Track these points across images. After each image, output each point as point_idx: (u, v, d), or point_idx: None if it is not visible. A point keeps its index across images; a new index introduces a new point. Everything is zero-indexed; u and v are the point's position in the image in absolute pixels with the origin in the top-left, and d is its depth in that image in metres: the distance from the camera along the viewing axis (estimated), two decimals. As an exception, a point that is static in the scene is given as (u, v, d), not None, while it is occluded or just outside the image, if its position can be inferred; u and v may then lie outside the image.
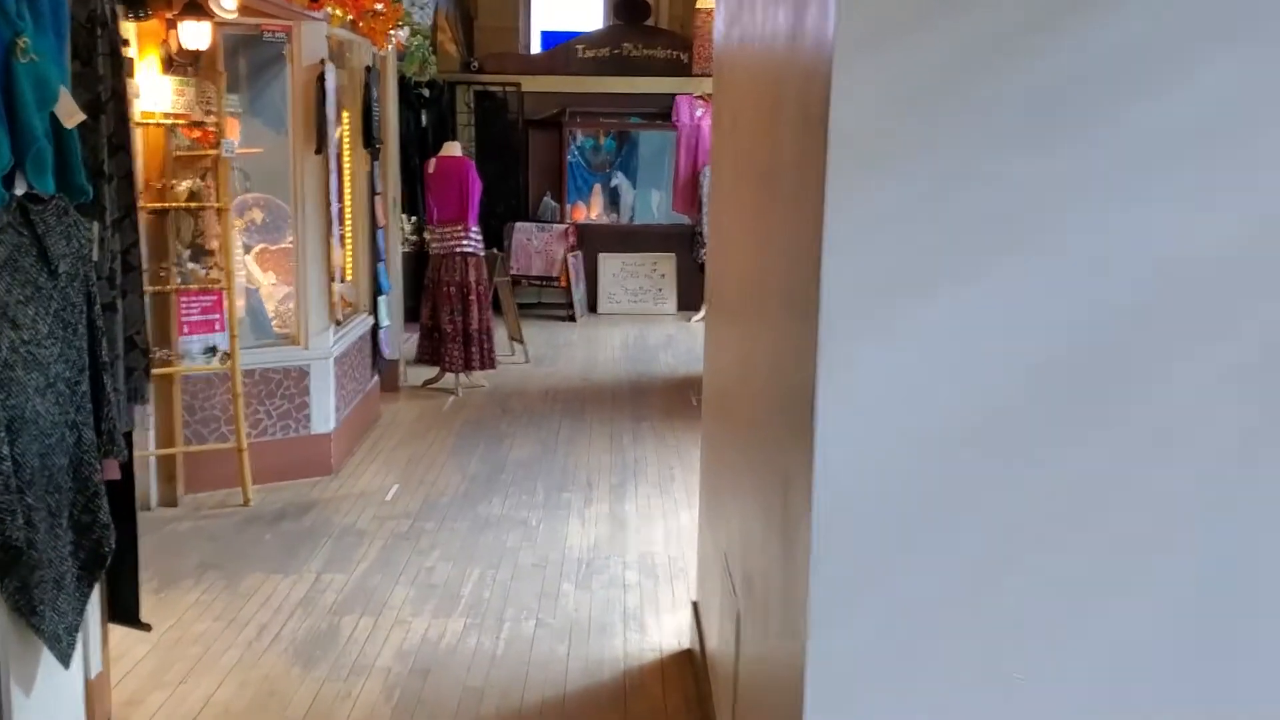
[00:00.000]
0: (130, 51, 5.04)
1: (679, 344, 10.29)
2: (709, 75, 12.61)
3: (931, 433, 1.78)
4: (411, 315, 8.63)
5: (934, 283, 1.77)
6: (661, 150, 12.26)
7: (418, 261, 9.27)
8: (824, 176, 1.75)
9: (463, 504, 5.72)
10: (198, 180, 5.49)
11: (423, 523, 5.43)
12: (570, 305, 11.51)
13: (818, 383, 1.78)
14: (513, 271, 11.65)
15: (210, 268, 5.59)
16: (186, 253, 5.57)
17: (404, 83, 8.94)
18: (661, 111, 11.84)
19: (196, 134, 5.45)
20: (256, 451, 5.70)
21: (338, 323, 6.19)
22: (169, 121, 5.28)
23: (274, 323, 6.20)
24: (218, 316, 5.54)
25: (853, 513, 1.81)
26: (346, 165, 6.95)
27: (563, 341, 10.35)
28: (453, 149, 7.99)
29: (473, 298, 7.94)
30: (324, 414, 6.04)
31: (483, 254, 8.05)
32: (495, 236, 11.82)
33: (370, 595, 4.58)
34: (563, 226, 11.62)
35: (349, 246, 7.02)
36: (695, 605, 4.19)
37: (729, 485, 3.27)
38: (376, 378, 7.21)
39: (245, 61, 6.40)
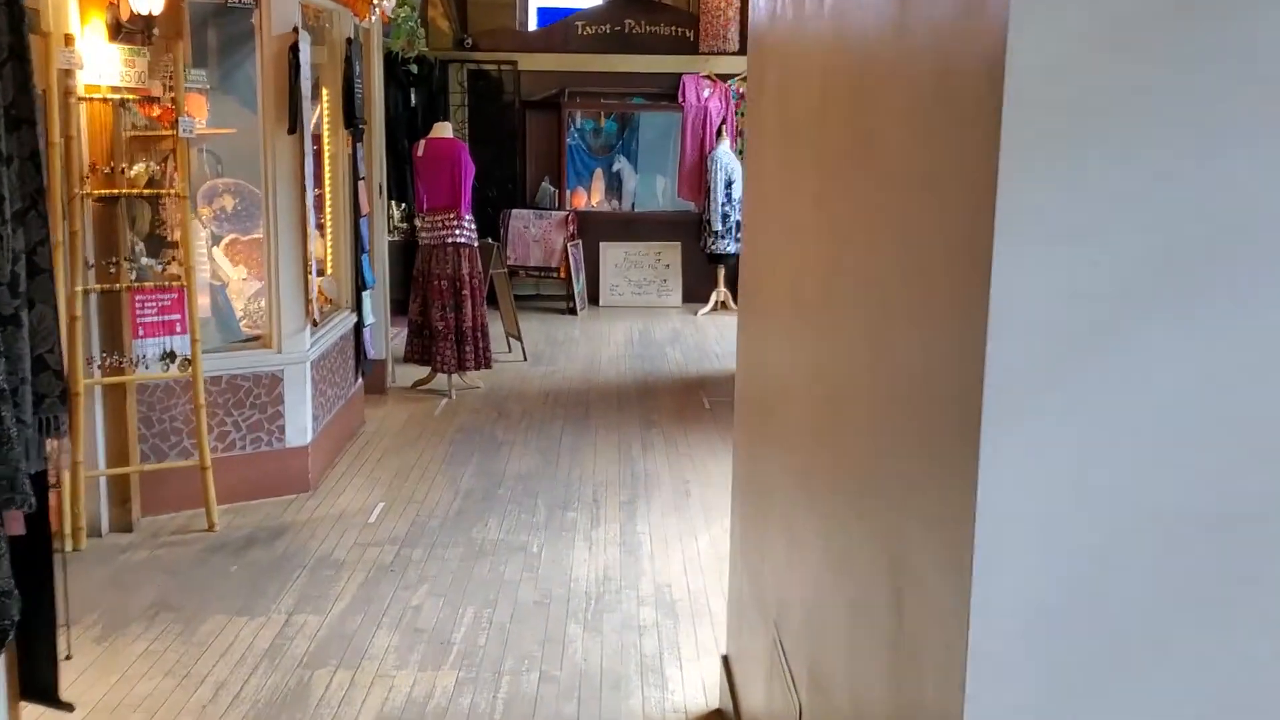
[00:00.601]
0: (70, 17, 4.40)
1: (686, 339, 9.67)
2: (716, 53, 12.17)
3: (1168, 513, 1.18)
4: (399, 309, 7.99)
5: (1151, 304, 1.16)
6: (666, 133, 11.62)
7: (406, 251, 8.65)
8: (994, 168, 1.15)
9: (455, 526, 5.10)
10: (154, 164, 4.85)
11: (409, 550, 4.81)
12: (570, 298, 10.89)
13: (984, 437, 1.17)
14: (509, 262, 11.03)
15: (169, 262, 4.96)
16: (141, 246, 4.93)
17: (391, 59, 8.31)
18: (666, 92, 11.20)
19: (155, 112, 4.81)
20: (223, 468, 5.08)
21: (315, 323, 5.56)
22: (118, 97, 4.64)
23: (243, 323, 5.57)
24: (178, 317, 4.91)
25: (1037, 642, 1.20)
26: (327, 148, 6.33)
27: (563, 337, 9.73)
28: (444, 130, 7.36)
29: (466, 292, 7.31)
30: (299, 425, 5.41)
31: (476, 244, 7.43)
32: (490, 225, 11.19)
33: (348, 642, 3.97)
34: (562, 214, 10.98)
35: (329, 237, 6.40)
36: (726, 660, 3.58)
37: (780, 531, 2.65)
38: (360, 381, 6.59)
39: (216, 33, 5.77)
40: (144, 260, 4.93)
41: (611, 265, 11.37)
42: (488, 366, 7.56)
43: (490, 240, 8.62)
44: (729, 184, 10.65)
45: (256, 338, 5.45)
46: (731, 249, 10.76)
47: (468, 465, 6.01)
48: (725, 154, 10.69)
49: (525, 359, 8.69)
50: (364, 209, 6.54)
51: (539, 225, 10.97)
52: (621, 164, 11.60)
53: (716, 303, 11.01)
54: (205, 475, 4.94)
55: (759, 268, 3.28)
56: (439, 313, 7.28)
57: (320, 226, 6.16)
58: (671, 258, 11.37)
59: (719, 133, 10.87)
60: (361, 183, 6.49)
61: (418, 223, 7.46)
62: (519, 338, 8.75)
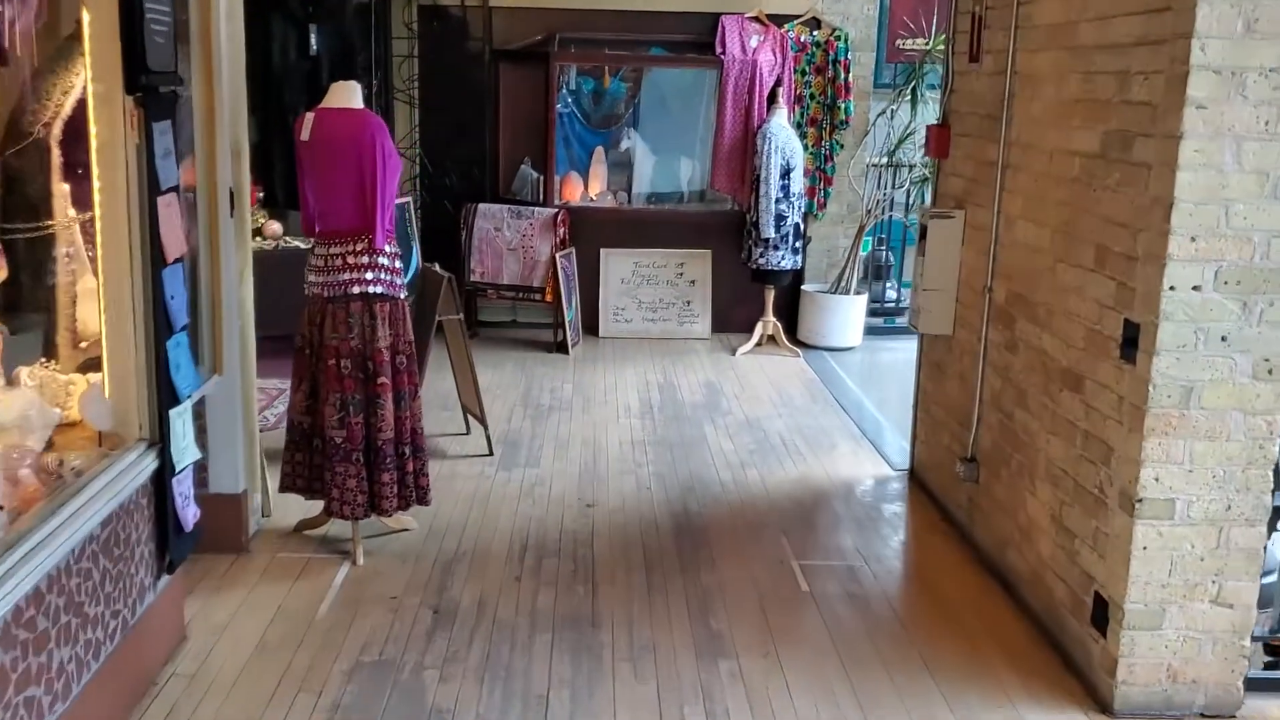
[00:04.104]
0: None
1: (731, 402, 6.59)
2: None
3: None
4: (276, 349, 4.69)
5: None
6: (696, 97, 8.45)
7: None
8: None
9: None
10: None
11: None
12: (560, 328, 7.78)
13: None
14: (475, 277, 7.89)
15: None
16: None
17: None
18: (697, 39, 8.02)
19: None
20: None
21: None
22: None
23: None
24: None
25: None
26: (93, 131, 3.20)
27: (549, 400, 6.62)
28: (345, 96, 4.19)
29: (384, 379, 4.21)
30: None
31: (404, 295, 4.31)
32: (444, 230, 8.02)
33: None
34: (548, 211, 7.84)
35: (102, 306, 3.28)
36: None
37: None
38: (165, 580, 3.47)
39: None
40: None
41: (616, 281, 8.25)
42: (422, 502, 4.46)
43: (438, 269, 5.48)
44: (787, 170, 7.52)
45: None
46: (787, 263, 7.65)
47: (360, 785, 2.95)
48: (781, 128, 7.55)
49: (490, 451, 5.60)
50: (173, 249, 3.39)
51: (516, 227, 7.82)
52: (632, 141, 8.42)
53: (763, 337, 7.92)
54: None
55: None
56: (336, 413, 4.17)
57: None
58: (698, 271, 8.26)
59: (772, 97, 7.73)
60: (166, 197, 3.35)
61: (310, 257, 4.32)
62: (481, 419, 5.64)
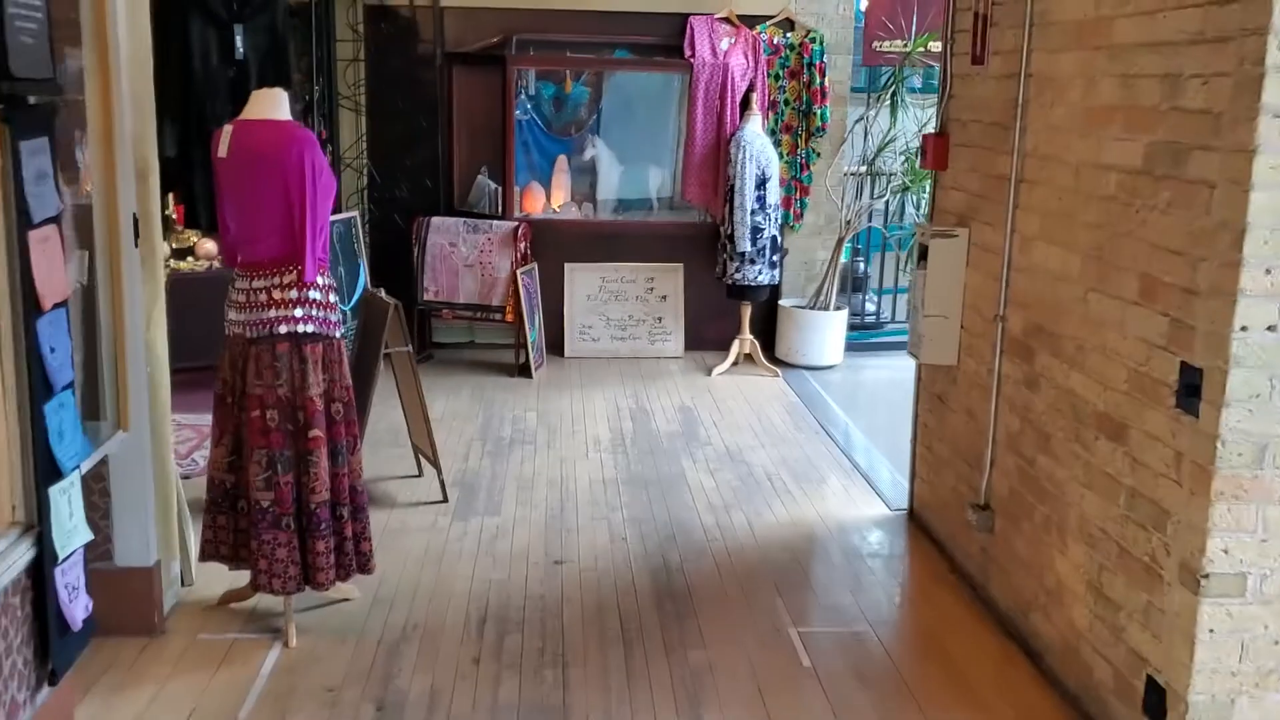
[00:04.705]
0: None
1: (709, 430, 6.07)
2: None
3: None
4: (209, 371, 4.13)
5: None
6: (663, 102, 7.94)
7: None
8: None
9: None
10: None
11: None
12: (522, 348, 7.23)
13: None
14: (429, 296, 7.33)
15: None
16: None
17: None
18: (664, 42, 7.52)
19: None
20: None
21: None
22: None
23: None
24: None
25: None
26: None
27: (510, 432, 6.07)
28: (268, 104, 3.62)
29: (317, 431, 3.65)
30: None
31: (338, 334, 3.75)
32: (396, 244, 7.46)
33: None
34: (508, 225, 7.29)
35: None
36: None
37: None
38: (47, 691, 2.90)
39: None
40: None
41: (582, 297, 7.72)
42: (364, 570, 3.90)
43: (383, 295, 4.93)
44: (762, 180, 7.03)
45: None
46: (764, 279, 7.15)
47: None
48: (756, 136, 7.06)
49: (445, 496, 5.05)
50: (51, 292, 2.82)
51: (473, 242, 7.27)
52: (597, 149, 7.89)
53: (739, 356, 7.42)
54: None
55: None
56: (262, 472, 3.61)
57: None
58: (669, 286, 7.74)
59: (745, 103, 7.23)
60: (41, 230, 2.78)
61: (229, 291, 3.75)
62: (434, 461, 5.09)
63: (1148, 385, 3.01)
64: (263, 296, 3.60)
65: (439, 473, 5.07)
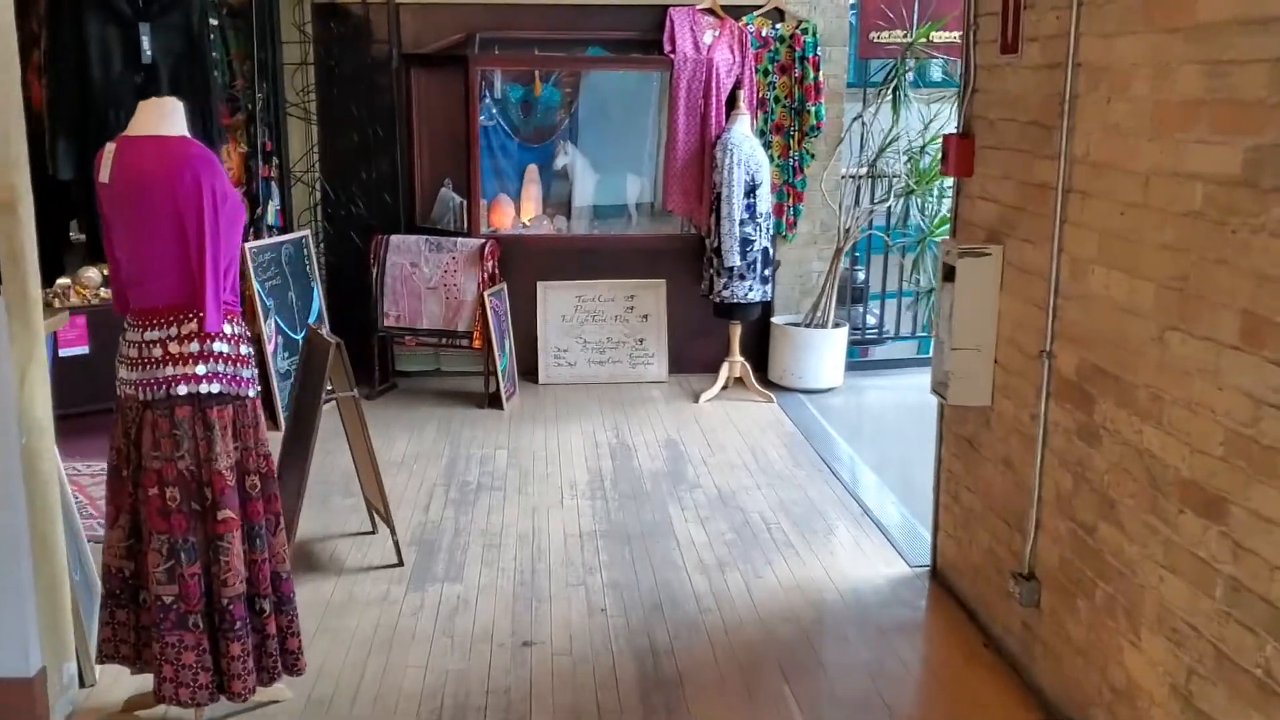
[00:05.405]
0: None
1: (698, 468, 5.44)
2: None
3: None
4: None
5: None
6: (641, 103, 7.30)
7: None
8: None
9: None
10: None
11: None
12: (493, 375, 6.59)
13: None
14: (390, 321, 6.68)
15: None
16: None
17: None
18: (641, 37, 6.89)
19: None
20: None
21: None
22: None
23: None
24: None
25: None
26: None
27: (477, 476, 5.43)
28: (157, 117, 2.95)
29: (227, 512, 3.00)
30: None
31: (251, 393, 3.09)
32: (351, 269, 6.81)
33: None
34: (474, 242, 6.64)
35: None
36: None
37: None
38: None
39: None
40: None
41: (557, 318, 7.08)
42: (292, 672, 3.25)
43: (325, 333, 4.27)
44: (752, 188, 6.40)
45: None
46: (755, 295, 6.53)
47: None
48: (744, 138, 6.43)
49: (399, 559, 4.40)
50: None
51: (436, 261, 6.62)
52: (570, 157, 7.24)
53: (729, 379, 6.79)
54: None
55: None
56: (163, 562, 2.96)
57: None
58: (651, 304, 7.11)
59: (732, 102, 6.61)
60: None
61: (120, 343, 3.09)
62: (387, 519, 4.44)
63: (1255, 453, 2.39)
64: (157, 351, 2.95)
65: (392, 532, 4.42)
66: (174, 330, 2.94)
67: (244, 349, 3.05)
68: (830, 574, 4.36)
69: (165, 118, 2.96)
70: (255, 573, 3.08)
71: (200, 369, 2.94)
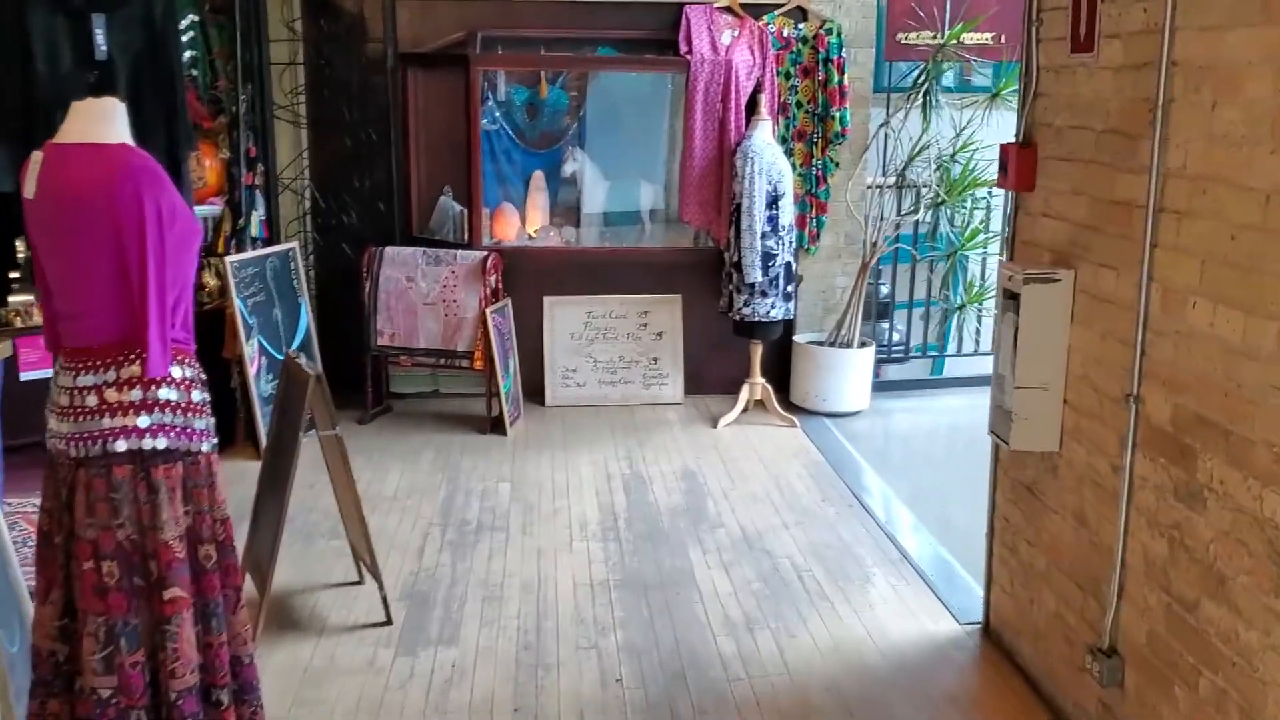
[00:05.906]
0: None
1: (718, 496, 4.98)
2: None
3: None
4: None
5: None
6: (655, 107, 6.85)
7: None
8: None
9: None
10: None
11: None
12: (495, 398, 6.13)
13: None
14: (384, 340, 6.22)
15: None
16: None
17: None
18: (654, 36, 6.43)
19: None
20: None
21: None
22: None
23: None
24: None
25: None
26: None
27: (477, 513, 4.97)
28: (93, 121, 2.52)
29: (176, 590, 2.54)
30: None
31: (206, 447, 2.63)
32: (343, 283, 6.37)
33: None
34: (475, 255, 6.19)
35: None
36: None
37: None
38: None
39: None
40: None
41: (565, 336, 6.63)
42: (258, 768, 2.80)
43: (304, 363, 3.82)
44: (774, 199, 5.94)
45: None
46: (778, 313, 6.06)
47: None
48: (766, 145, 5.97)
49: (388, 617, 3.94)
50: None
51: (434, 276, 6.16)
52: (579, 163, 6.78)
53: (749, 402, 6.33)
54: None
55: None
56: (99, 649, 2.51)
57: None
58: (665, 321, 6.66)
59: (752, 106, 6.15)
60: None
61: (50, 388, 2.64)
62: (374, 570, 3.98)
63: None
64: (92, 399, 2.50)
65: (380, 586, 3.96)
66: (112, 374, 2.50)
67: (196, 395, 2.60)
68: (870, 632, 3.90)
69: (103, 121, 2.51)
70: (211, 659, 2.63)
71: (142, 421, 2.49)
